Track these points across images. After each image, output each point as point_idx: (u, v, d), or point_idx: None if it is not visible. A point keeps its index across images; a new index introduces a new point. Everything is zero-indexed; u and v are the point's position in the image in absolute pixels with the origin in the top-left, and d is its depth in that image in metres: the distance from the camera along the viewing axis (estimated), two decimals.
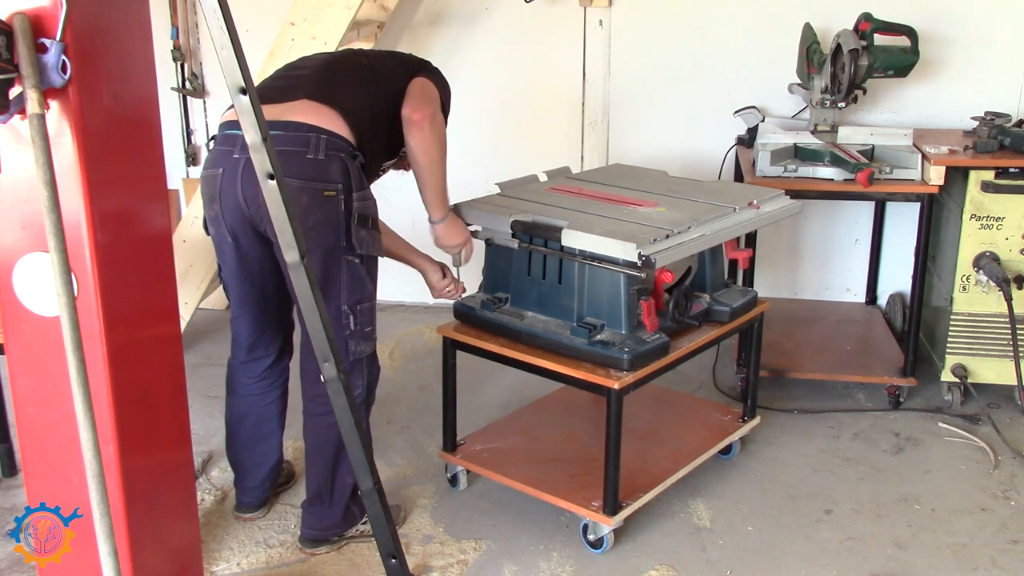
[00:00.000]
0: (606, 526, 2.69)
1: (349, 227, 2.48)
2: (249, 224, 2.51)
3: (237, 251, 2.58)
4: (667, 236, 2.63)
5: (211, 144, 2.59)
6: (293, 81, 2.60)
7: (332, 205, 2.45)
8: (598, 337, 2.65)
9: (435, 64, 2.80)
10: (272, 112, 2.38)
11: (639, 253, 2.52)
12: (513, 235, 2.79)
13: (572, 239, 2.66)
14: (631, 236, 2.58)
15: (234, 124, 2.50)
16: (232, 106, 2.60)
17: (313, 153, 2.43)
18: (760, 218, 2.95)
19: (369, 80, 2.63)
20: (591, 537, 2.74)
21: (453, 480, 3.07)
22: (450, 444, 3.02)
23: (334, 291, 2.50)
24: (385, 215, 2.93)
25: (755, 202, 2.95)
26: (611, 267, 2.62)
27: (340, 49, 2.92)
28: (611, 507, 2.68)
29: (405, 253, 2.99)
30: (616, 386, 2.57)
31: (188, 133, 4.47)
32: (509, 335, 2.80)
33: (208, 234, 2.65)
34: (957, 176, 3.40)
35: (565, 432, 3.16)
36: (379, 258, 2.64)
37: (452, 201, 2.81)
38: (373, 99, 2.60)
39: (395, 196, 3.38)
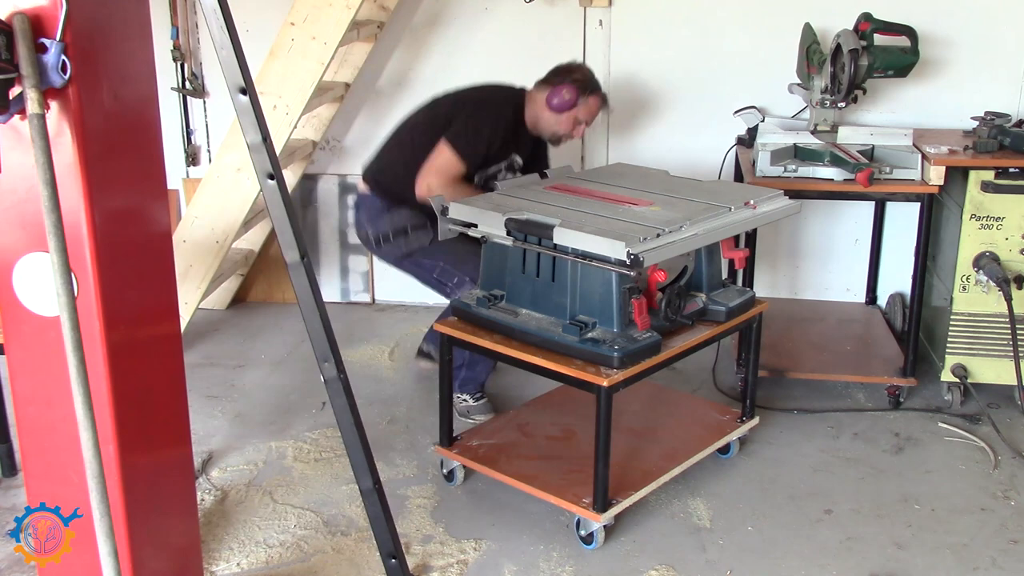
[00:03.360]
0: (595, 522, 2.70)
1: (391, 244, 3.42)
2: None
3: None
4: (658, 235, 2.63)
5: None
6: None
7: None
8: (589, 335, 2.65)
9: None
10: None
11: (628, 252, 2.52)
12: (508, 233, 2.79)
13: (564, 237, 2.67)
14: (621, 235, 2.58)
15: None
16: None
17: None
18: (756, 218, 2.95)
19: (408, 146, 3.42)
20: (582, 532, 2.75)
21: (449, 476, 3.07)
22: (447, 439, 3.03)
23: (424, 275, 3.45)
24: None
25: (752, 202, 2.95)
26: (602, 265, 2.62)
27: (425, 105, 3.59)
28: (600, 504, 2.69)
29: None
30: (605, 383, 2.57)
31: (188, 133, 4.47)
32: (503, 332, 2.81)
33: None
34: (957, 176, 3.40)
35: (562, 429, 3.16)
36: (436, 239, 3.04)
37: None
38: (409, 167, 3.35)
39: None
